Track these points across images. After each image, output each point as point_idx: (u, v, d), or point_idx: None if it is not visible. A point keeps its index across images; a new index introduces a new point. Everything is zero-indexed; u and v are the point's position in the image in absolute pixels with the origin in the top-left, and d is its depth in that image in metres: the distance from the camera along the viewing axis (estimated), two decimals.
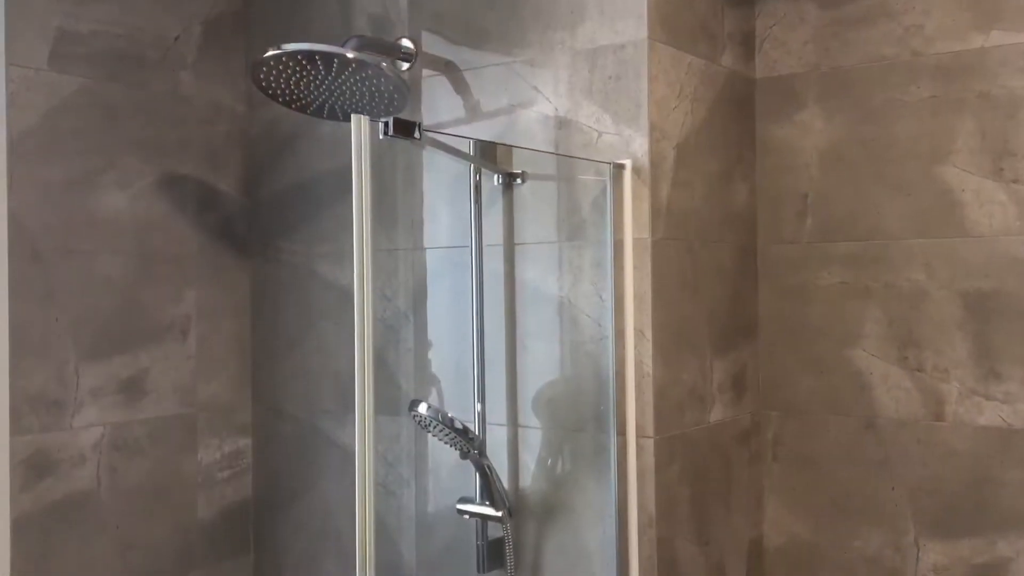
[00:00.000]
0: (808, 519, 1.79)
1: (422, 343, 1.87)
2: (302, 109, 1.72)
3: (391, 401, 1.87)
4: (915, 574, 1.68)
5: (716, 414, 1.73)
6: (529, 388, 1.72)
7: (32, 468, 1.67)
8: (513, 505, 1.70)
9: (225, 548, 1.99)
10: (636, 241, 1.59)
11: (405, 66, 1.82)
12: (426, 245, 1.85)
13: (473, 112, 1.77)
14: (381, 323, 1.89)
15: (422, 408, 1.57)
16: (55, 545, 1.71)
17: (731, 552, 1.76)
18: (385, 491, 1.90)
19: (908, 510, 1.69)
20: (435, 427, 1.58)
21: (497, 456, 1.71)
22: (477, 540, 1.73)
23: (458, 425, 1.58)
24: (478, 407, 1.73)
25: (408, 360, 1.88)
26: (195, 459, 1.94)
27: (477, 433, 1.67)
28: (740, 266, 1.82)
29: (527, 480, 1.72)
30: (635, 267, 1.59)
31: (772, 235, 1.84)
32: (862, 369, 1.75)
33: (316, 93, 1.65)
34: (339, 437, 1.93)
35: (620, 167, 1.59)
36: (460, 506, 1.74)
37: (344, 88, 1.63)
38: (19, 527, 1.65)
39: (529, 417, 1.72)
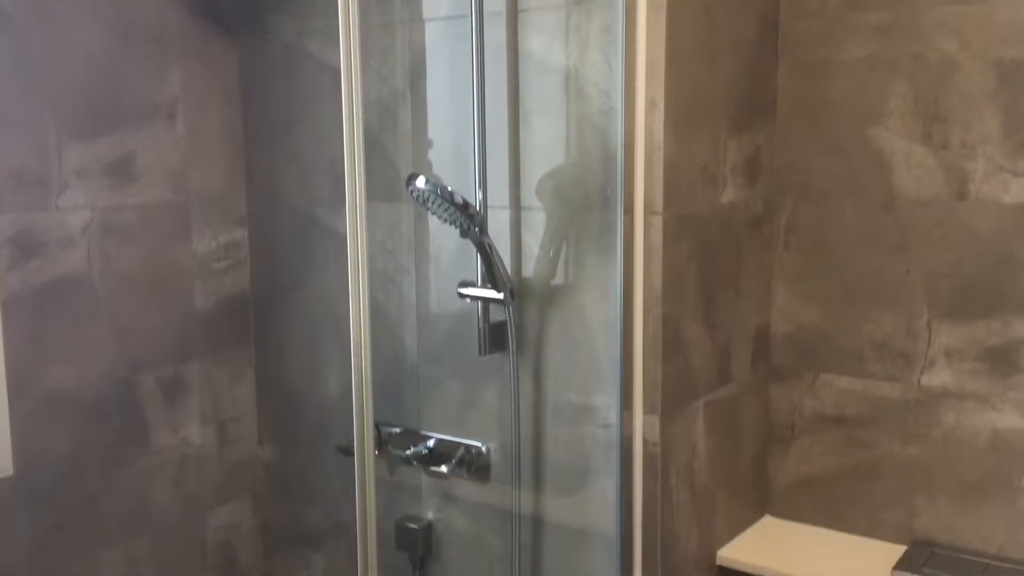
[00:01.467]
0: (818, 306, 1.75)
1: (420, 124, 1.78)
2: None
3: (389, 187, 1.79)
4: (926, 357, 1.65)
5: (728, 195, 1.65)
6: (532, 167, 1.64)
7: (19, 247, 1.62)
8: (515, 287, 1.66)
9: (224, 339, 1.97)
10: (650, 2, 1.47)
11: None
12: (424, 17, 1.73)
13: None
14: (377, 104, 1.79)
15: (420, 182, 1.50)
16: (49, 327, 1.68)
17: (737, 337, 1.73)
18: (385, 279, 1.85)
19: (922, 293, 1.64)
20: (434, 202, 1.52)
21: (499, 239, 1.65)
22: (479, 324, 1.69)
23: (458, 199, 1.51)
24: (479, 194, 1.66)
25: (406, 144, 1.80)
26: (190, 248, 1.89)
27: (477, 209, 1.61)
28: (760, 39, 1.70)
29: (530, 262, 1.67)
30: (648, 32, 1.47)
31: (795, 6, 1.72)
32: (883, 149, 1.66)
33: None
34: (336, 226, 1.87)
35: None
36: (461, 290, 1.70)
37: None
38: (10, 307, 1.61)
39: (532, 198, 1.65)
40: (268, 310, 2.00)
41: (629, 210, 1.52)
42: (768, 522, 1.83)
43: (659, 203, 1.50)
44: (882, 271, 1.68)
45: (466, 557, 1.80)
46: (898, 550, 1.67)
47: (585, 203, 1.62)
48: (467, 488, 1.79)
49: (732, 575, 1.72)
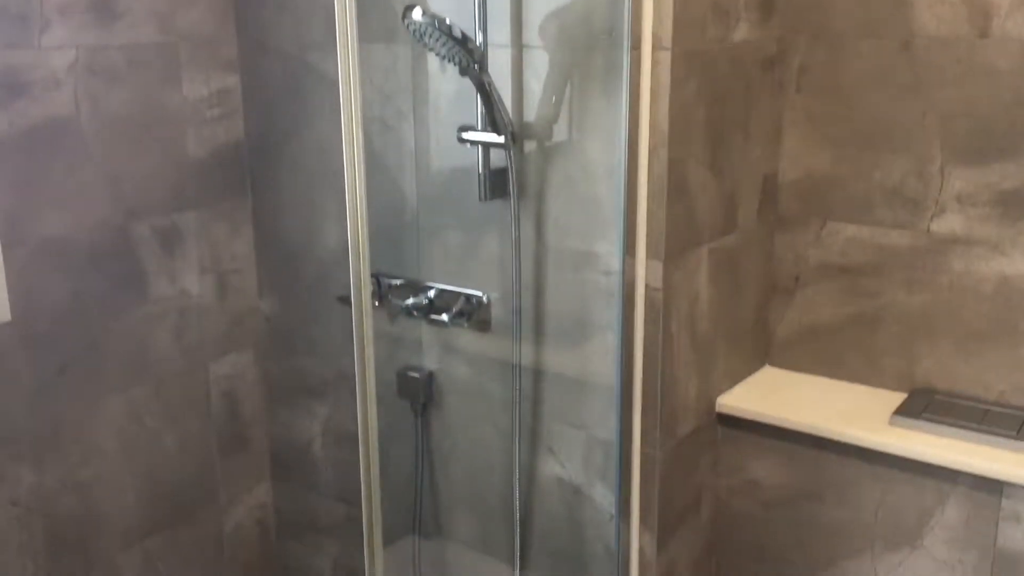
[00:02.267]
0: (828, 151, 1.70)
1: None
2: None
3: (385, 27, 1.72)
4: (937, 202, 1.61)
5: (740, 33, 1.58)
6: (535, 1, 1.56)
7: (3, 87, 1.56)
8: (517, 130, 1.61)
9: (220, 189, 1.93)
10: None
11: None
12: None
13: None
14: None
15: (416, 14, 1.43)
16: (39, 172, 1.64)
17: (744, 184, 1.68)
18: (382, 126, 1.80)
19: (937, 136, 1.59)
20: (431, 36, 1.45)
21: (500, 81, 1.59)
22: (479, 169, 1.65)
23: (456, 33, 1.45)
24: (479, 34, 1.58)
25: None
26: (180, 93, 1.82)
27: (478, 44, 1.54)
28: None
29: (532, 104, 1.61)
30: None
31: None
32: None
33: None
34: (331, 71, 1.80)
35: None
36: (462, 134, 1.65)
37: None
38: None
39: (534, 36, 1.58)
40: (265, 160, 1.96)
41: (636, 46, 1.45)
42: (768, 372, 1.84)
43: (668, 38, 1.43)
44: (896, 114, 1.62)
45: (467, 404, 1.81)
46: (898, 397, 1.67)
47: (590, 40, 1.55)
48: (468, 338, 1.79)
49: (731, 422, 1.73)
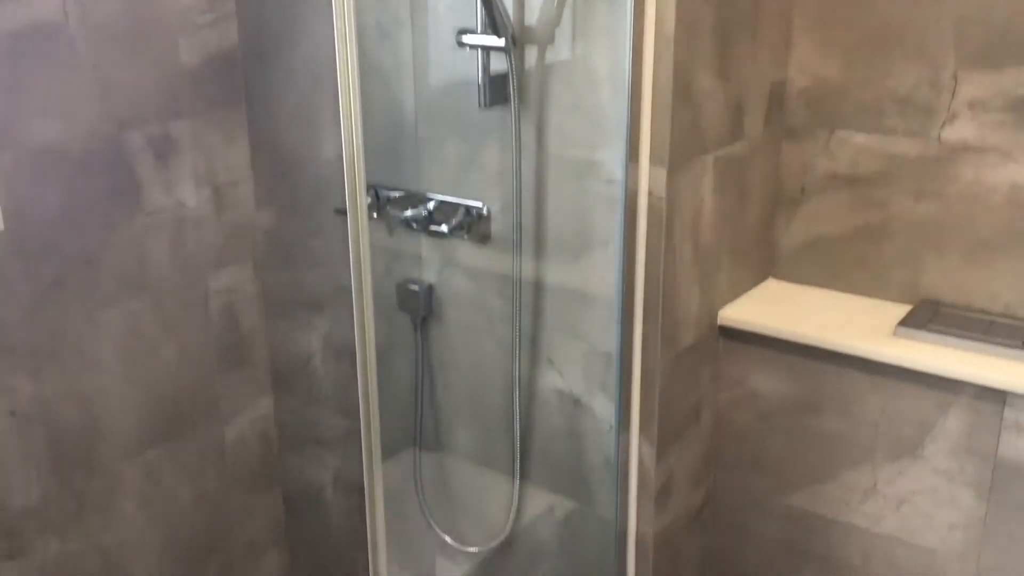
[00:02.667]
0: (838, 58, 1.65)
1: None
2: None
3: None
4: (948, 110, 1.57)
5: None
6: None
7: None
8: (517, 34, 1.56)
9: (215, 98, 1.89)
10: None
11: None
12: None
13: None
14: None
15: None
16: (28, 77, 1.59)
17: (752, 91, 1.64)
18: (379, 32, 1.75)
19: (951, 41, 1.54)
20: None
21: None
22: (479, 75, 1.61)
23: None
24: None
25: None
26: None
27: None
28: None
29: (533, 6, 1.56)
30: None
31: None
32: None
33: None
34: None
35: None
36: (462, 37, 1.60)
37: None
38: None
39: None
40: (259, 68, 1.91)
41: None
42: (772, 285, 1.82)
43: None
44: (909, 19, 1.57)
45: (467, 317, 1.80)
46: (903, 309, 1.66)
47: None
48: (468, 250, 1.77)
49: (733, 335, 1.72)
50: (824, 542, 1.72)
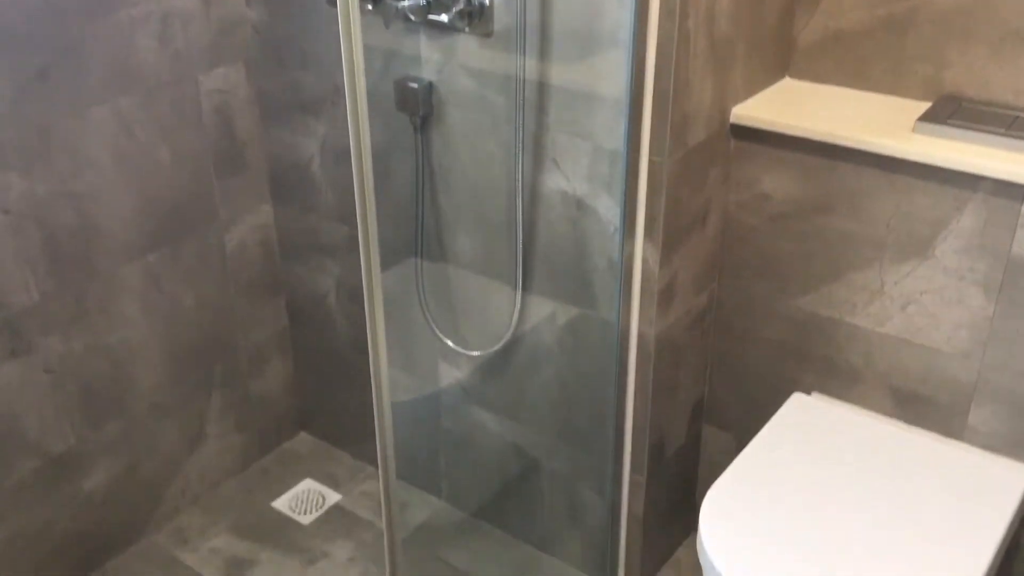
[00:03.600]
0: None
1: None
2: None
3: None
4: None
5: None
6: None
7: None
8: None
9: None
10: None
11: None
12: None
13: None
14: None
15: None
16: None
17: None
18: None
19: None
20: None
21: None
22: None
23: None
24: None
25: None
26: None
27: None
28: None
29: None
30: None
31: None
32: None
33: None
34: None
35: None
36: None
37: None
38: None
39: None
40: None
41: None
42: (788, 83, 1.74)
43: None
44: None
45: (468, 116, 1.73)
46: (924, 107, 1.58)
47: None
48: (469, 46, 1.68)
49: (745, 133, 1.66)
50: (827, 344, 1.72)
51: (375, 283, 1.32)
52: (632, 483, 1.84)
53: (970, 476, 1.49)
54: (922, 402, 1.65)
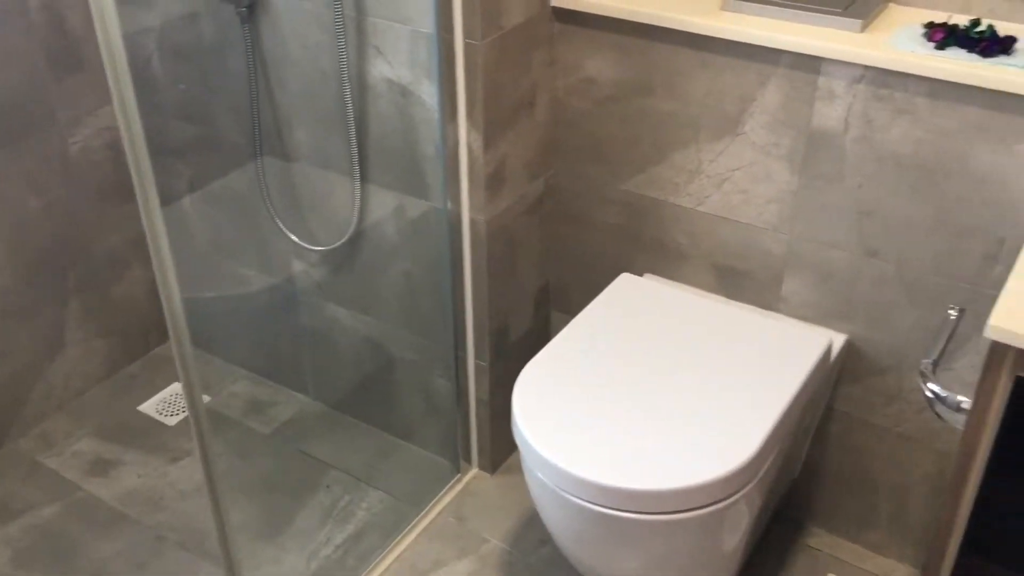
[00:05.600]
0: None
1: None
2: None
3: None
4: None
5: None
6: None
7: None
8: None
9: None
10: None
11: None
12: None
13: None
14: None
15: None
16: None
17: None
18: None
19: None
20: None
21: None
22: None
23: None
24: None
25: None
26: None
27: None
28: None
29: None
30: None
31: None
32: None
33: None
34: None
35: None
36: None
37: None
38: None
39: None
40: None
41: None
42: None
43: None
44: None
45: (292, 3, 1.71)
46: None
47: None
48: None
49: (567, 16, 1.66)
50: (656, 224, 1.76)
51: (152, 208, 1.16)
52: (477, 368, 1.89)
53: (776, 341, 1.56)
54: (741, 276, 1.71)
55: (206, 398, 2.26)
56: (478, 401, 1.93)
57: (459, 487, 1.99)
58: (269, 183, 1.94)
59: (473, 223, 1.71)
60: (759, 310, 1.71)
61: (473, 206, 1.69)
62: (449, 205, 1.70)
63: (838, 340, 1.63)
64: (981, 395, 1.16)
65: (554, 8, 1.65)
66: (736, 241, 1.68)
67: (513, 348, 1.93)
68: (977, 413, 1.17)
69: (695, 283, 1.78)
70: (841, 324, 1.64)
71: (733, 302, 1.74)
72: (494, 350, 1.87)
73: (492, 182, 1.68)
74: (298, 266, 2.03)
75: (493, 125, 1.62)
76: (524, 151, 1.73)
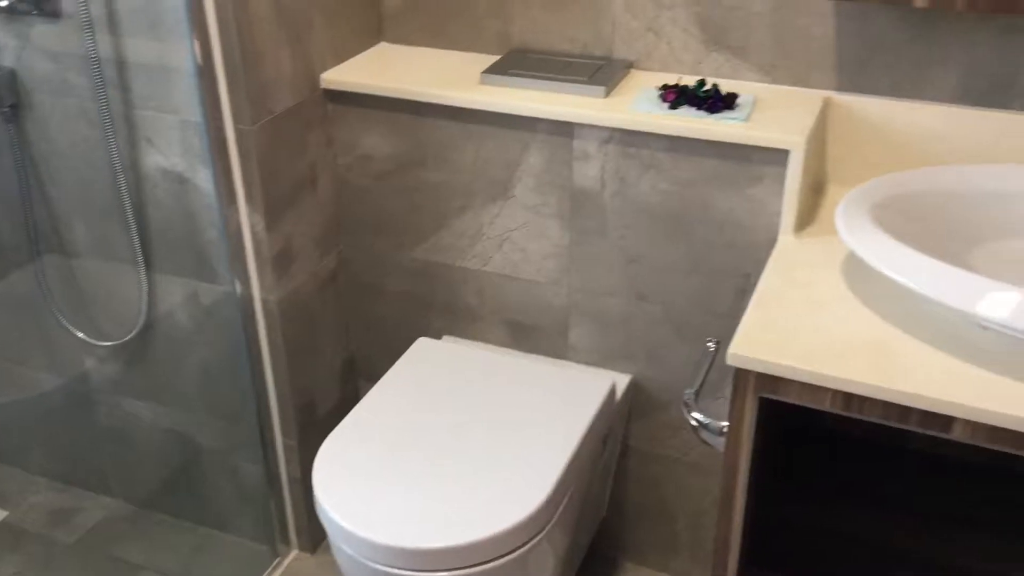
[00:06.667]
0: None
1: None
2: None
3: None
4: None
5: None
6: None
7: None
8: None
9: None
10: None
11: None
12: None
13: None
14: None
15: None
16: None
17: None
18: None
19: None
20: None
21: None
22: None
23: None
24: None
25: None
26: None
27: None
28: None
29: None
30: None
31: None
32: None
33: None
34: None
35: None
36: None
37: None
38: None
39: None
40: None
41: None
42: (383, 47, 1.82)
43: None
44: None
45: (58, 101, 1.69)
46: (496, 59, 1.72)
47: None
48: (43, 28, 1.63)
49: (339, 97, 1.72)
50: (447, 288, 1.83)
51: None
52: (286, 448, 1.89)
53: (564, 388, 1.64)
54: (530, 330, 1.80)
55: (3, 513, 2.14)
56: (291, 481, 1.92)
57: (280, 571, 1.96)
58: (51, 281, 1.89)
59: (265, 303, 1.72)
60: (550, 360, 1.80)
61: (263, 287, 1.71)
62: (239, 288, 1.71)
63: (623, 380, 1.74)
64: (733, 418, 1.27)
65: (325, 90, 1.71)
66: (522, 297, 1.77)
67: (322, 423, 1.93)
68: (733, 434, 1.28)
69: (490, 340, 1.85)
70: (625, 365, 1.75)
71: (526, 355, 1.82)
72: (302, 428, 1.87)
73: (280, 261, 1.70)
74: (90, 363, 1.97)
75: (274, 206, 1.65)
76: (310, 228, 1.77)
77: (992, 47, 1.39)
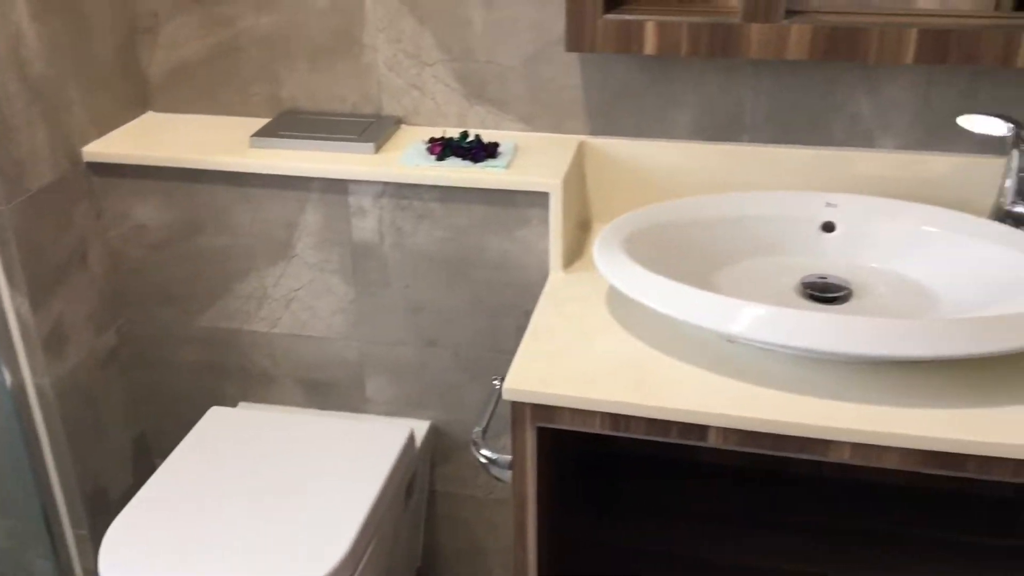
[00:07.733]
0: None
1: None
2: None
3: None
4: None
5: None
6: None
7: None
8: None
9: None
10: None
11: None
12: None
13: None
14: None
15: None
16: None
17: None
18: None
19: None
20: None
21: None
22: None
23: None
24: None
25: None
26: None
27: None
28: None
29: None
30: None
31: None
32: None
33: None
34: None
35: None
36: None
37: None
38: None
39: None
40: None
41: None
42: (151, 117, 1.79)
43: None
44: None
45: None
46: (266, 122, 1.73)
47: None
48: None
49: (105, 170, 1.68)
50: (238, 353, 1.81)
51: None
52: (77, 539, 1.79)
53: (361, 441, 1.65)
54: (326, 387, 1.80)
55: None
56: (86, 573, 1.82)
57: None
58: None
59: (39, 388, 1.64)
60: (348, 415, 1.80)
61: (35, 371, 1.62)
62: (7, 376, 1.62)
63: (422, 427, 1.77)
64: (516, 450, 1.32)
65: (88, 163, 1.67)
66: (314, 355, 1.77)
67: (116, 507, 1.84)
68: (517, 466, 1.33)
69: (287, 402, 1.84)
70: (424, 412, 1.78)
71: (324, 412, 1.82)
72: (93, 516, 1.78)
73: (51, 343, 1.63)
74: None
75: (40, 285, 1.58)
76: (84, 305, 1.70)
77: (719, 87, 1.54)
